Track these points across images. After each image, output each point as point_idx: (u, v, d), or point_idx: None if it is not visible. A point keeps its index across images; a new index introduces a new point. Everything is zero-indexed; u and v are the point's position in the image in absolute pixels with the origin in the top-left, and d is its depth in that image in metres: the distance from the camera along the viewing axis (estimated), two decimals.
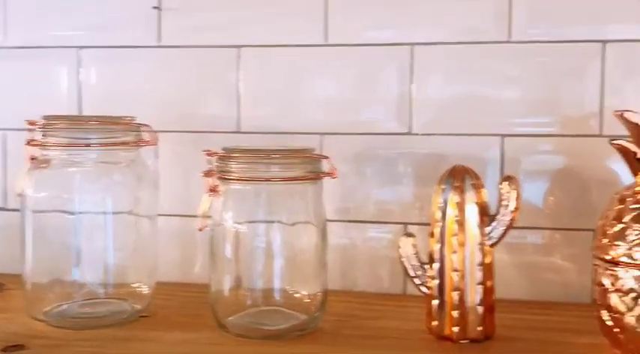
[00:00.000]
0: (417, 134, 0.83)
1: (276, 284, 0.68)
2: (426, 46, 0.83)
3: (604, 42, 0.79)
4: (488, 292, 0.65)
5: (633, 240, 0.58)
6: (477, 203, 0.65)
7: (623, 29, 0.78)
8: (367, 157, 0.85)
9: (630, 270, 0.58)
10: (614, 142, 0.62)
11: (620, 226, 0.59)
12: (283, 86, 0.86)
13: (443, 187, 0.66)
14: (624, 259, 0.59)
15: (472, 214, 0.65)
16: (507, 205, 0.65)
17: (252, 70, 0.87)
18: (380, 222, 0.84)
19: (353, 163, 0.85)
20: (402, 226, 0.83)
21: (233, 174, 0.67)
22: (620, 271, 0.59)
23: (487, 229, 0.66)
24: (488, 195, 0.67)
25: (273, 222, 0.68)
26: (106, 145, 0.70)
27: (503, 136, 0.81)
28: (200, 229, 0.68)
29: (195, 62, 0.88)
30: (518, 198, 0.65)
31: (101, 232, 0.71)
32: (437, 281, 0.66)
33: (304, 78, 0.85)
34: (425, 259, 0.67)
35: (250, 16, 0.86)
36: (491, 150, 0.82)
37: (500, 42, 0.81)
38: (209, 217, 0.68)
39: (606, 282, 0.60)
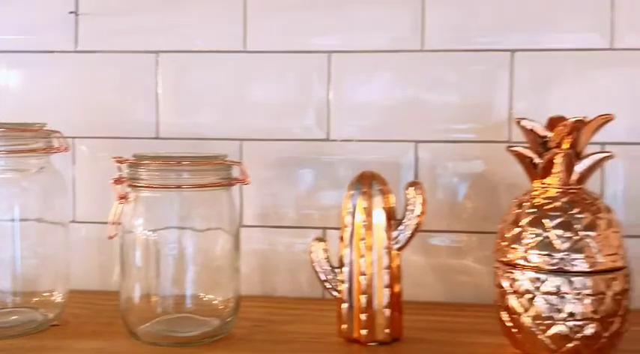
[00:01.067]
0: (335, 140, 0.85)
1: (188, 291, 0.69)
2: (344, 54, 0.84)
3: (512, 51, 0.82)
4: (395, 294, 0.67)
5: (529, 243, 0.61)
6: (384, 208, 0.67)
7: (531, 39, 0.81)
8: (287, 163, 0.85)
9: (526, 272, 0.60)
10: (511, 148, 0.64)
11: (517, 229, 0.62)
12: (202, 92, 0.86)
13: (352, 192, 0.68)
14: (520, 261, 0.61)
15: (379, 218, 0.67)
16: (413, 210, 0.67)
17: (171, 76, 0.86)
18: (300, 227, 0.85)
19: (273, 169, 0.85)
20: (321, 230, 0.84)
21: (143, 181, 0.66)
22: (516, 273, 0.61)
23: (394, 234, 0.67)
24: (396, 200, 0.68)
25: (184, 228, 0.68)
26: (14, 152, 0.69)
27: (417, 142, 0.83)
28: (110, 237, 0.68)
29: (113, 68, 0.87)
30: (423, 203, 0.67)
31: (9, 240, 0.70)
32: (346, 285, 0.67)
33: (223, 84, 0.86)
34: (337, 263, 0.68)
35: (169, 21, 0.86)
36: (407, 156, 0.83)
37: (414, 51, 0.83)
38: (119, 224, 0.68)
39: (505, 284, 0.62)
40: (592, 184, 0.78)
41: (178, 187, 0.67)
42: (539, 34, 0.81)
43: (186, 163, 0.67)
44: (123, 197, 0.67)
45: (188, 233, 0.69)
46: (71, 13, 0.86)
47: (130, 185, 0.67)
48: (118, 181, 0.68)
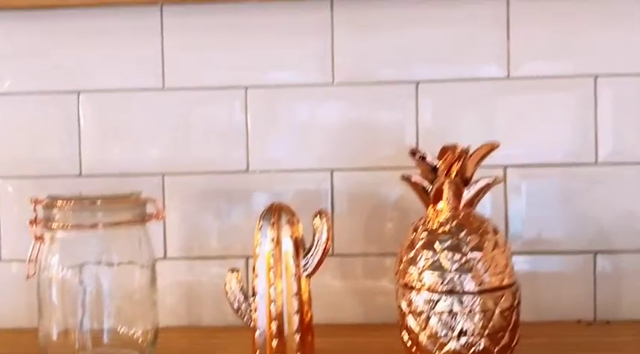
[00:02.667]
0: (254, 171, 0.88)
1: (106, 325, 0.71)
2: (258, 89, 0.88)
3: (417, 82, 0.86)
4: (305, 320, 0.70)
5: (422, 265, 0.65)
6: (291, 237, 0.70)
7: (435, 71, 0.86)
8: (208, 195, 0.88)
9: (421, 293, 0.64)
10: (404, 176, 0.68)
11: (413, 253, 0.66)
12: (123, 128, 0.89)
13: (261, 223, 0.71)
14: (416, 283, 0.65)
15: (287, 247, 0.70)
16: (320, 238, 0.71)
17: (92, 113, 0.89)
18: (222, 257, 0.88)
19: (195, 201, 0.88)
20: (243, 260, 0.87)
21: (57, 222, 0.69)
22: (413, 294, 0.65)
23: (303, 261, 0.70)
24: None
25: (100, 264, 0.71)
26: None
27: (333, 170, 0.87)
28: (27, 277, 0.70)
29: (35, 108, 0.89)
30: (329, 230, 0.71)
31: None
32: (258, 313, 0.70)
33: (143, 120, 0.88)
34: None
35: (90, 59, 0.88)
36: (323, 184, 0.87)
37: (324, 85, 0.87)
38: (36, 263, 0.70)
39: (403, 305, 0.66)
40: (496, 203, 0.83)
41: (93, 226, 0.69)
42: (442, 65, 0.86)
43: (100, 203, 0.69)
44: (39, 238, 0.69)
45: (104, 269, 0.71)
46: None
47: (45, 226, 0.70)
48: (34, 221, 0.70)
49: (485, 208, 0.84)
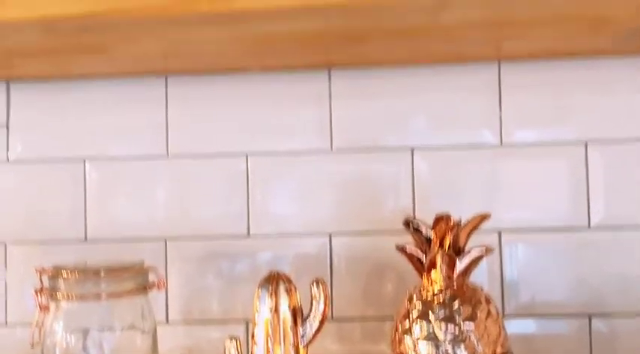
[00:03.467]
0: (255, 236, 0.90)
1: None
2: (259, 156, 0.90)
3: (412, 148, 0.89)
4: None
5: (417, 335, 0.66)
6: (289, 306, 0.72)
7: (430, 137, 0.89)
8: (210, 259, 0.90)
9: None
10: (399, 246, 0.70)
11: (408, 322, 0.67)
12: (128, 194, 0.91)
13: (260, 292, 0.73)
14: (411, 353, 0.66)
15: (285, 316, 0.72)
16: (317, 306, 0.72)
17: (98, 180, 0.92)
18: (223, 321, 0.89)
19: (196, 266, 0.90)
20: (244, 324, 0.89)
21: (62, 292, 0.71)
22: None
23: (300, 330, 0.72)
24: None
25: (103, 331, 0.72)
26: None
27: (332, 234, 0.90)
28: (32, 346, 0.71)
29: (42, 174, 0.92)
30: (326, 299, 0.72)
31: None
32: None
33: (147, 186, 0.91)
34: None
35: (97, 127, 0.92)
36: (322, 248, 0.89)
37: (322, 151, 0.90)
38: (40, 331, 0.71)
39: None
40: (491, 267, 0.85)
41: (97, 297, 0.71)
42: (437, 131, 0.89)
43: (104, 274, 0.71)
44: (44, 308, 0.71)
45: (107, 335, 0.73)
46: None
47: (50, 296, 0.72)
48: (39, 291, 0.72)
49: (480, 271, 0.86)
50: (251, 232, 0.90)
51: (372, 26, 0.69)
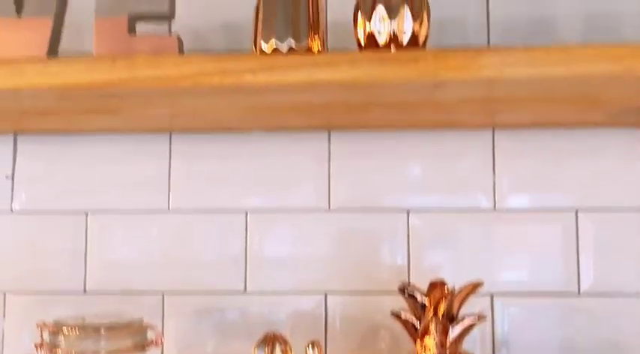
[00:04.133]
0: (252, 292, 0.92)
1: None
2: (258, 213, 0.93)
3: (408, 210, 0.92)
4: None
5: None
6: None
7: (425, 200, 0.92)
8: (206, 314, 0.92)
9: None
10: (394, 312, 0.72)
11: None
12: (128, 248, 0.93)
13: (256, 352, 0.74)
14: None
15: None
16: None
17: (100, 235, 0.93)
18: None
19: (193, 320, 0.91)
20: None
21: (62, 349, 0.72)
22: None
23: None
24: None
25: None
26: None
27: (327, 293, 0.91)
28: None
29: (44, 227, 0.94)
30: None
31: None
32: None
33: (148, 239, 0.93)
34: None
35: (97, 183, 0.94)
36: (318, 307, 0.91)
37: (320, 210, 0.92)
38: None
39: None
40: (483, 330, 0.87)
41: (96, 353, 0.72)
42: (432, 195, 0.92)
43: (104, 331, 0.73)
44: None
45: None
46: (8, 177, 0.94)
47: (50, 351, 0.73)
48: (40, 346, 0.73)
49: (473, 333, 0.87)
50: (248, 289, 0.92)
51: (373, 100, 0.72)
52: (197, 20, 0.95)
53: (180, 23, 0.91)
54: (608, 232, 0.90)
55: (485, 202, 0.91)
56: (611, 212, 0.90)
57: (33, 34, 0.69)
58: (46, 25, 0.69)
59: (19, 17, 0.70)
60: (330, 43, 0.90)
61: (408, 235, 0.91)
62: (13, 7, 0.70)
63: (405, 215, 0.92)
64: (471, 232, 0.91)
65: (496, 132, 0.92)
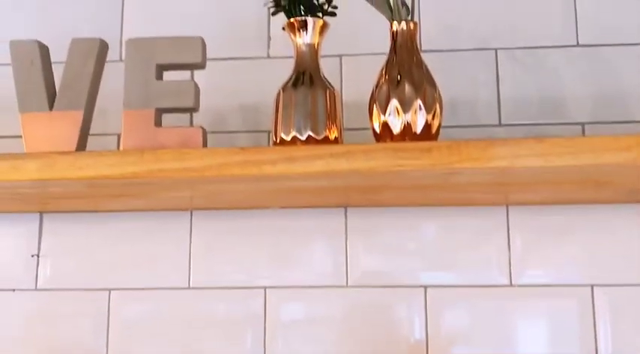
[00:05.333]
0: None
1: None
2: (276, 289, 0.94)
3: (425, 287, 0.93)
4: None
5: None
6: None
7: (442, 276, 0.93)
8: None
9: None
10: None
11: None
12: (149, 325, 0.94)
13: None
14: None
15: None
16: None
17: (122, 310, 0.95)
18: None
19: None
20: None
21: None
22: None
23: None
24: None
25: None
26: None
27: None
28: None
29: (72, 302, 0.95)
30: None
31: None
32: None
33: (169, 316, 0.94)
34: None
35: (123, 258, 0.96)
36: None
37: (338, 286, 0.93)
38: None
39: None
40: None
41: None
42: (449, 271, 0.93)
43: None
44: None
45: None
46: (33, 256, 0.97)
47: None
48: None
49: None
50: None
51: (388, 184, 0.74)
52: (216, 101, 0.98)
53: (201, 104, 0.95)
54: (625, 306, 0.90)
55: (502, 278, 0.92)
56: (627, 286, 0.91)
57: (63, 128, 0.72)
58: (77, 119, 0.73)
59: (51, 111, 0.74)
60: (345, 120, 0.93)
61: (426, 311, 0.92)
62: (46, 102, 0.74)
63: (423, 292, 0.93)
64: (487, 307, 0.91)
65: (510, 208, 0.93)
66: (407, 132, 0.70)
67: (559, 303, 0.91)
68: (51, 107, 0.74)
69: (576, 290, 0.91)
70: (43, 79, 0.74)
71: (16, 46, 0.76)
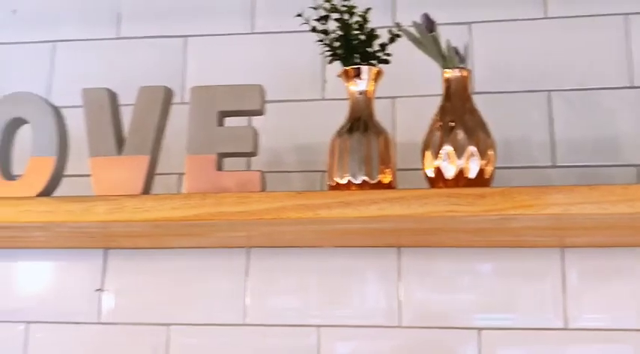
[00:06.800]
0: None
1: None
2: (330, 328, 0.95)
3: (479, 329, 0.93)
4: None
5: None
6: None
7: (496, 318, 0.93)
8: None
9: None
10: None
11: None
12: None
13: None
14: None
15: None
16: None
17: (183, 348, 0.98)
18: None
19: None
20: None
21: None
22: None
23: None
24: None
25: None
26: None
27: None
28: None
29: (129, 338, 0.99)
30: None
31: None
32: None
33: (224, 352, 0.97)
34: None
35: (179, 298, 0.99)
36: None
37: (391, 327, 0.94)
38: None
39: None
40: None
41: None
42: (503, 313, 0.93)
43: None
44: None
45: None
46: (97, 290, 1.01)
47: None
48: None
49: None
50: None
51: (441, 228, 0.75)
52: (272, 142, 1.01)
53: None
54: None
55: (556, 321, 0.91)
56: None
57: (130, 171, 0.76)
58: (143, 163, 0.77)
59: (119, 156, 0.78)
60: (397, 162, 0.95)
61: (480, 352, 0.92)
62: (114, 147, 0.78)
63: (477, 334, 0.93)
64: (542, 350, 0.91)
65: (565, 250, 0.93)
66: (460, 177, 0.72)
67: (614, 347, 0.90)
68: (119, 152, 0.78)
69: (632, 335, 0.90)
70: (112, 125, 0.78)
71: (87, 93, 0.81)
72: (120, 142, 0.79)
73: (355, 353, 0.95)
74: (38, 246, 1.01)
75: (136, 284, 1.01)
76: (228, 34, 1.06)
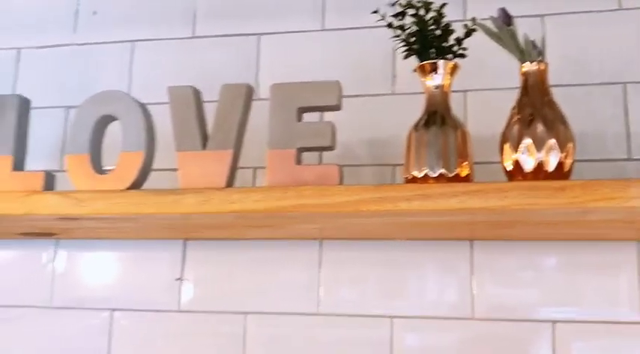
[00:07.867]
0: None
1: None
2: (404, 319, 0.97)
3: (553, 322, 0.93)
4: None
5: None
6: None
7: (568, 310, 0.93)
8: None
9: None
10: None
11: None
12: (281, 347, 1.00)
13: None
14: None
15: None
16: None
17: (257, 336, 1.01)
18: None
19: None
20: None
21: None
22: None
23: None
24: None
25: None
26: None
27: None
28: None
29: (206, 325, 1.03)
30: None
31: None
32: None
33: (298, 340, 0.99)
34: None
35: (258, 284, 1.02)
36: None
37: (465, 318, 0.95)
38: None
39: None
40: None
41: None
42: (577, 306, 0.92)
43: None
44: None
45: None
46: (177, 279, 1.05)
47: None
48: None
49: None
50: None
51: (519, 221, 0.76)
52: (344, 136, 1.03)
53: None
54: None
55: (632, 314, 0.91)
56: None
57: (215, 165, 0.80)
58: (227, 158, 0.80)
59: (204, 151, 0.81)
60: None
61: (554, 347, 0.92)
62: (199, 142, 0.82)
63: (551, 326, 0.93)
64: (617, 344, 0.90)
65: None
66: (539, 170, 0.72)
67: None
68: (204, 147, 0.81)
69: None
70: (196, 121, 0.82)
71: (173, 91, 0.85)
72: (204, 138, 0.82)
73: (427, 344, 0.96)
74: (121, 237, 1.06)
75: (213, 274, 1.05)
76: (300, 32, 1.09)
